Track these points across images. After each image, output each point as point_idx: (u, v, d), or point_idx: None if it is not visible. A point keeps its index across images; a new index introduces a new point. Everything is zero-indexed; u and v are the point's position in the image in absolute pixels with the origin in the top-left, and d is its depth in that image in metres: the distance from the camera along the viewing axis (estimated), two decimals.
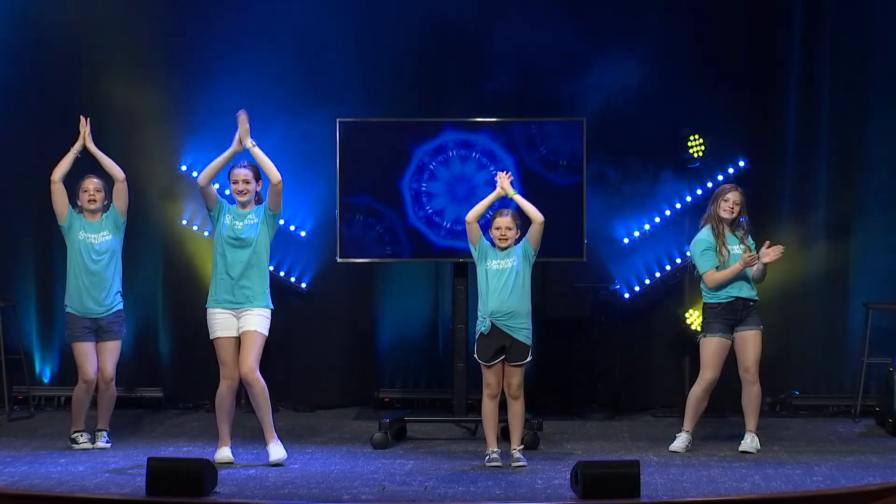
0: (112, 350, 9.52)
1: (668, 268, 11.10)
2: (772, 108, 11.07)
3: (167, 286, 11.27)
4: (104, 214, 9.52)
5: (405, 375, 11.33)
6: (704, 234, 9.34)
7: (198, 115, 10.87)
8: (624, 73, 10.84)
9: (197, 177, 11.04)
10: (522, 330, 8.76)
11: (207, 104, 10.83)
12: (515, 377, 8.77)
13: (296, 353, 11.17)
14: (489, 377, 8.79)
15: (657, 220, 11.04)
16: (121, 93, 10.59)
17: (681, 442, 9.29)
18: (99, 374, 9.48)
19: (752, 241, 9.34)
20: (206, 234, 11.13)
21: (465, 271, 9.79)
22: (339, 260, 9.93)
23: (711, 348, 9.26)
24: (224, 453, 8.89)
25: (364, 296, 11.31)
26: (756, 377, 9.26)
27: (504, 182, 8.83)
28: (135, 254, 10.29)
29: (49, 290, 11.17)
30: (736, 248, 9.27)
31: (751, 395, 9.28)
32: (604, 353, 10.99)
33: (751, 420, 9.29)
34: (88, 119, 9.40)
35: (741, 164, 10.94)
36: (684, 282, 10.95)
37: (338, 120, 9.90)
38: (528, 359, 8.77)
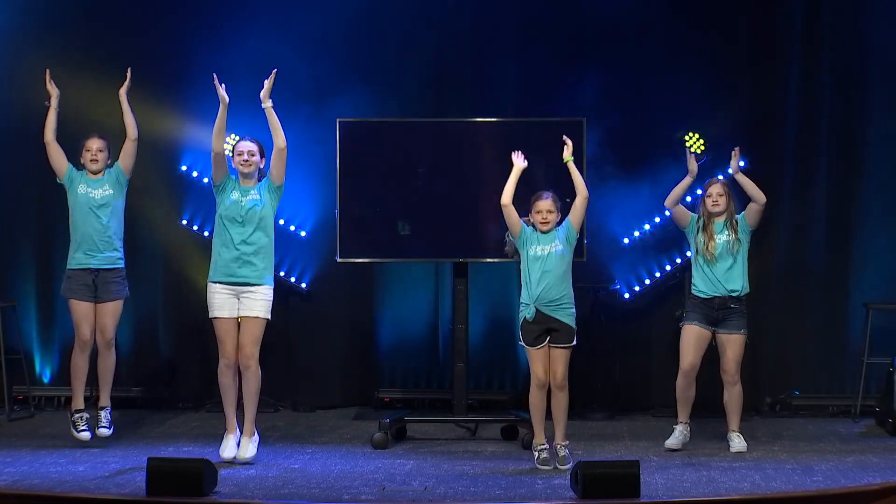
0: (112, 311, 9.31)
1: (668, 268, 11.11)
2: (772, 108, 11.06)
3: (167, 286, 11.26)
4: (106, 171, 9.41)
5: (405, 375, 11.32)
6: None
7: (198, 115, 10.85)
8: (624, 72, 10.86)
9: (198, 176, 11.13)
10: (567, 315, 8.73)
11: (208, 104, 10.81)
12: (561, 364, 8.69)
13: (296, 353, 11.17)
14: (536, 365, 8.71)
15: (657, 220, 11.04)
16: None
17: (675, 438, 9.32)
18: (98, 335, 9.29)
19: (742, 228, 9.34)
20: (206, 234, 11.12)
21: (465, 271, 9.78)
22: (339, 260, 9.93)
23: (688, 335, 9.35)
24: (228, 446, 8.81)
25: (364, 296, 11.31)
26: (735, 378, 9.31)
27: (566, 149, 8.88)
28: (134, 254, 10.26)
29: (49, 290, 11.16)
30: (723, 237, 9.31)
31: (731, 396, 9.35)
32: (604, 353, 10.99)
33: (733, 420, 9.36)
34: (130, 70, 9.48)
35: (741, 164, 10.92)
36: (684, 282, 10.94)
37: (338, 120, 9.90)
38: (574, 342, 8.73)
